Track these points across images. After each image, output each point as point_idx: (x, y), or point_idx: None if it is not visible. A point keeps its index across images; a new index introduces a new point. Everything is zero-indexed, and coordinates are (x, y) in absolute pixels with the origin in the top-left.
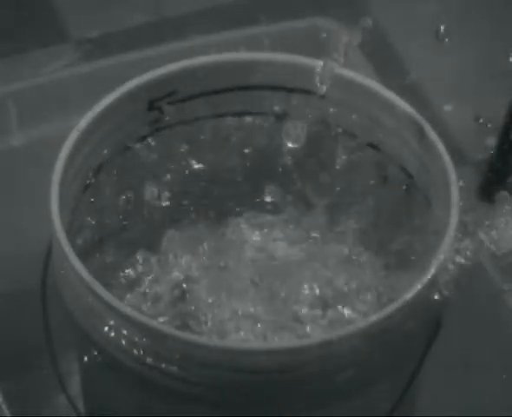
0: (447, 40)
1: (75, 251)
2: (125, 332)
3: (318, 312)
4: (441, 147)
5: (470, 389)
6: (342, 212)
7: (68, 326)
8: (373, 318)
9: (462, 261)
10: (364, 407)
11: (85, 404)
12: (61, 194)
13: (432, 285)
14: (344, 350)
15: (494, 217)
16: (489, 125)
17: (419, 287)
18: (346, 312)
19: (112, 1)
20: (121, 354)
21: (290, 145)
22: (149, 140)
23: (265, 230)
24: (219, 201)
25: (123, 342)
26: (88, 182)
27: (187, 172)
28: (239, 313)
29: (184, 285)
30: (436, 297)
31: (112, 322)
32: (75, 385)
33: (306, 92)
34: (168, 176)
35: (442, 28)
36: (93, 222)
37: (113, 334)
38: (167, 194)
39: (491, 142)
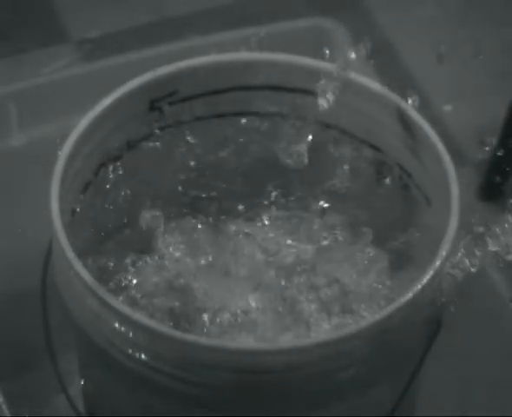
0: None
1: (74, 251)
2: (125, 332)
3: (318, 312)
4: (441, 147)
5: (470, 389)
6: (342, 212)
7: (68, 326)
8: (373, 318)
9: (462, 261)
10: (364, 407)
11: (85, 404)
12: (61, 194)
13: (432, 285)
14: (344, 350)
15: (494, 217)
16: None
17: (419, 287)
18: (346, 312)
19: (112, 1)
20: (121, 354)
21: (290, 145)
22: (150, 140)
23: (265, 230)
24: (220, 201)
25: (123, 342)
26: (88, 181)
27: (187, 172)
28: (239, 313)
29: (184, 285)
30: (436, 297)
31: (112, 322)
32: (75, 385)
33: (306, 92)
34: (169, 176)
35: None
36: (93, 222)
37: (113, 334)
38: (167, 194)
39: (491, 142)
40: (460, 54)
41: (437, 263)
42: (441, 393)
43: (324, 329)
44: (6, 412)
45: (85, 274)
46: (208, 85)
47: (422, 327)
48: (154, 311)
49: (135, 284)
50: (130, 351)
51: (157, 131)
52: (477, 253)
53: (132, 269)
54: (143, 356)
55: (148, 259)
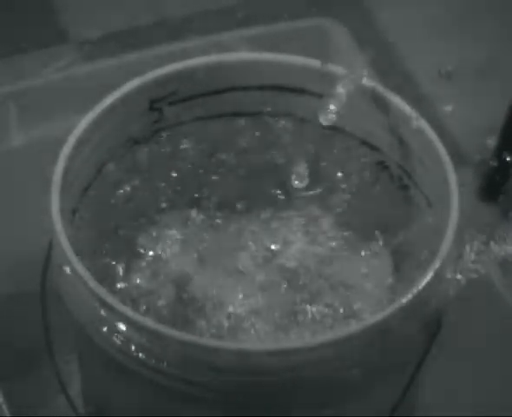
0: (447, 41)
1: (75, 251)
2: (125, 332)
3: (319, 312)
4: (441, 147)
5: (470, 389)
6: (342, 212)
7: (68, 326)
8: (373, 319)
9: (463, 262)
10: (364, 407)
11: (85, 404)
12: (61, 194)
13: (432, 285)
14: (344, 351)
15: (494, 218)
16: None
17: (419, 287)
18: (348, 312)
19: (112, 1)
20: (121, 355)
21: (290, 145)
22: (150, 140)
23: (265, 230)
24: (220, 200)
25: (123, 343)
26: (88, 182)
27: (187, 172)
28: (240, 313)
29: (185, 285)
30: (436, 297)
31: (112, 323)
32: (75, 385)
33: (306, 92)
34: (169, 176)
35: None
36: (93, 223)
37: (113, 334)
38: (167, 194)
39: (491, 142)
40: (460, 54)
41: (437, 263)
42: (441, 393)
43: (324, 330)
44: (6, 412)
45: (85, 275)
46: (208, 85)
47: (422, 328)
48: (154, 311)
49: (135, 284)
50: (130, 351)
51: (157, 131)
52: (477, 253)
53: (132, 269)
54: (143, 356)
55: (149, 259)
